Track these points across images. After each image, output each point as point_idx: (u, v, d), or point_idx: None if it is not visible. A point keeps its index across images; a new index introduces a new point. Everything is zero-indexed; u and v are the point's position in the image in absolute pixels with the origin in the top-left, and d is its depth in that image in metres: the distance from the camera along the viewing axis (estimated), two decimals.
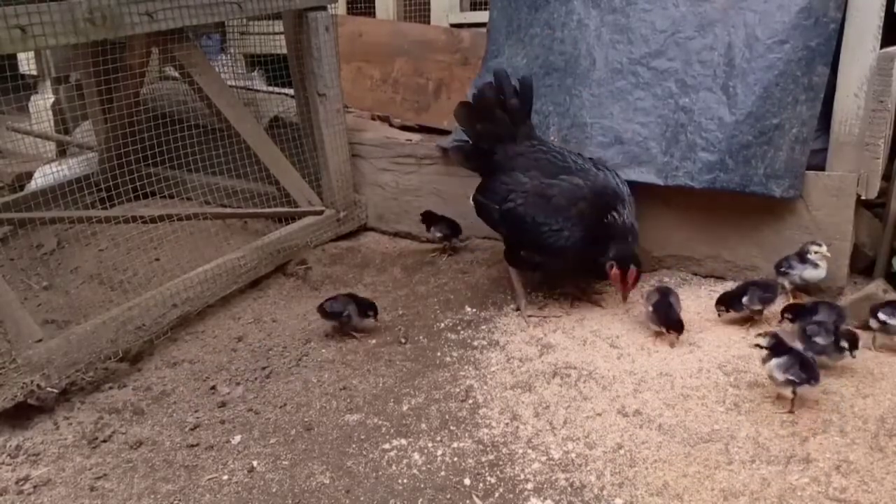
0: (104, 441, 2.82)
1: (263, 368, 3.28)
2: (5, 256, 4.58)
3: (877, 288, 3.23)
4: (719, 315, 3.35)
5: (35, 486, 2.58)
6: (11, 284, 3.82)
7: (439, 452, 2.61)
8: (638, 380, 2.96)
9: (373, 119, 5.18)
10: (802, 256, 3.35)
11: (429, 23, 5.85)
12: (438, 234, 4.27)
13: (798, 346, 2.78)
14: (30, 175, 5.34)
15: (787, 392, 2.68)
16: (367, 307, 3.47)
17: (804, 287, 3.45)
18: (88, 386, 3.14)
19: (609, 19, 3.86)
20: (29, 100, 6.64)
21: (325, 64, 4.29)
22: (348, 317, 3.42)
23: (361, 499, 2.42)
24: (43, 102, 6.42)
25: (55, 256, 4.59)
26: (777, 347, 2.70)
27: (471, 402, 2.91)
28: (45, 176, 5.04)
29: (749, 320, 3.34)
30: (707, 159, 3.55)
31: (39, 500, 2.52)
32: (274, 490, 2.49)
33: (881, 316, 2.99)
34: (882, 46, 3.32)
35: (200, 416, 2.96)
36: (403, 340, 3.45)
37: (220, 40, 5.82)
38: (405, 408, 2.90)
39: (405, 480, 2.49)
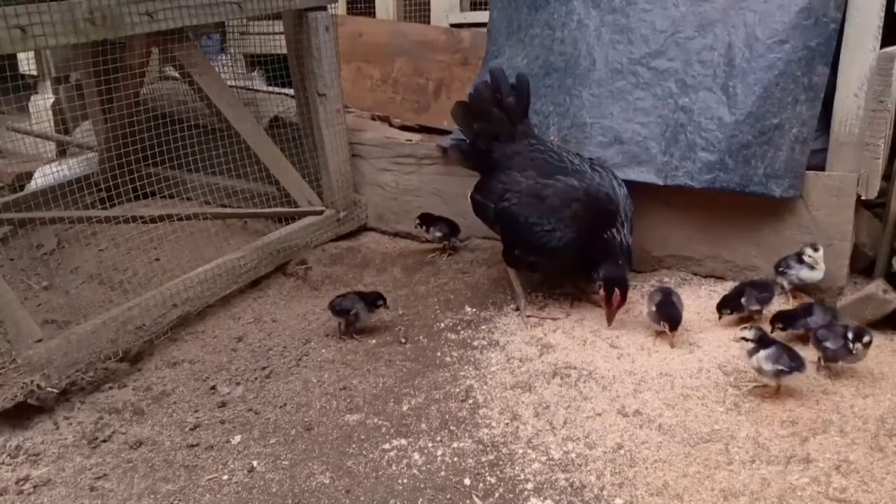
0: (104, 441, 2.82)
1: (263, 368, 3.29)
2: (5, 256, 4.58)
3: (877, 288, 3.22)
4: (720, 318, 3.35)
5: (35, 486, 2.58)
6: (11, 284, 3.82)
7: (439, 452, 2.61)
8: (638, 380, 2.96)
9: (373, 119, 5.18)
10: (800, 257, 3.35)
11: (429, 23, 5.86)
12: (438, 234, 4.27)
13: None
14: (30, 175, 5.34)
15: (774, 383, 2.74)
16: (373, 299, 3.46)
17: (803, 287, 3.45)
18: (88, 386, 3.14)
19: (609, 19, 3.86)
20: (29, 100, 6.63)
21: (325, 64, 4.29)
22: (356, 315, 3.43)
23: (361, 499, 2.42)
24: (43, 102, 6.42)
25: (55, 256, 4.59)
26: (763, 339, 2.76)
27: (471, 402, 2.91)
28: (45, 176, 5.03)
29: (749, 320, 3.33)
30: (707, 159, 3.55)
31: (39, 500, 2.52)
32: (274, 490, 2.49)
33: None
34: (882, 46, 3.32)
35: (200, 416, 2.96)
36: (403, 340, 3.45)
37: (220, 40, 5.82)
38: (405, 408, 2.90)
39: (405, 480, 2.49)
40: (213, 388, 3.16)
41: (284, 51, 4.61)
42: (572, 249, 3.40)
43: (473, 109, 3.71)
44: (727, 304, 3.33)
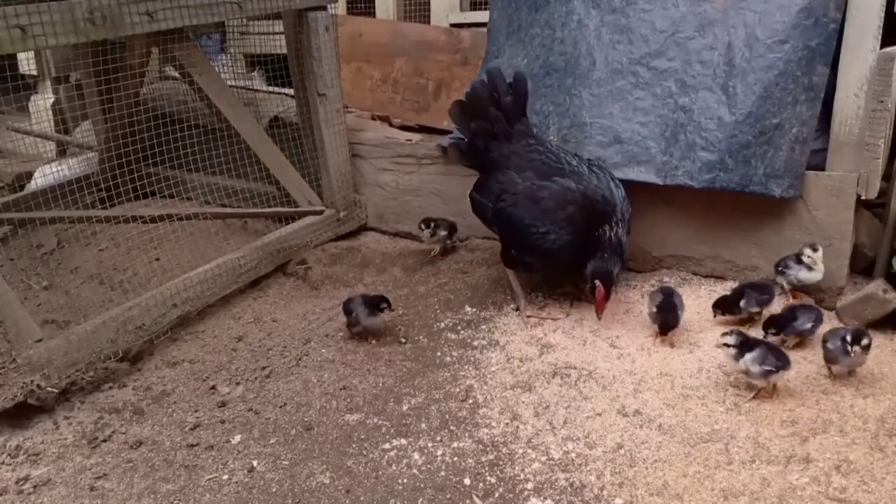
0: (104, 441, 2.82)
1: (263, 368, 3.28)
2: (5, 256, 4.58)
3: (877, 288, 3.22)
4: (714, 316, 3.35)
5: (35, 486, 2.58)
6: (11, 284, 3.82)
7: (439, 452, 2.61)
8: (638, 380, 2.96)
9: (373, 119, 5.18)
10: (799, 258, 3.35)
11: (429, 23, 5.85)
12: (443, 233, 4.22)
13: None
14: (30, 175, 5.33)
15: (764, 383, 2.76)
16: (377, 303, 3.42)
17: (802, 288, 3.45)
18: (88, 386, 3.13)
19: (609, 19, 3.86)
20: (29, 100, 6.63)
21: (325, 64, 4.29)
22: (357, 318, 3.42)
23: (361, 499, 2.42)
24: (43, 102, 6.41)
25: (55, 256, 4.59)
26: (746, 343, 2.78)
27: (471, 401, 2.91)
28: (45, 176, 5.03)
29: (749, 321, 3.34)
30: (707, 159, 3.55)
31: (39, 500, 2.52)
32: (274, 490, 2.49)
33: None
34: (882, 46, 3.32)
35: (200, 416, 2.96)
36: (403, 340, 3.45)
37: (220, 40, 5.82)
38: (405, 408, 2.90)
39: (405, 480, 2.49)
40: (213, 387, 3.16)
41: (284, 51, 4.61)
42: (567, 251, 3.40)
43: (470, 108, 3.71)
44: (721, 306, 3.34)
